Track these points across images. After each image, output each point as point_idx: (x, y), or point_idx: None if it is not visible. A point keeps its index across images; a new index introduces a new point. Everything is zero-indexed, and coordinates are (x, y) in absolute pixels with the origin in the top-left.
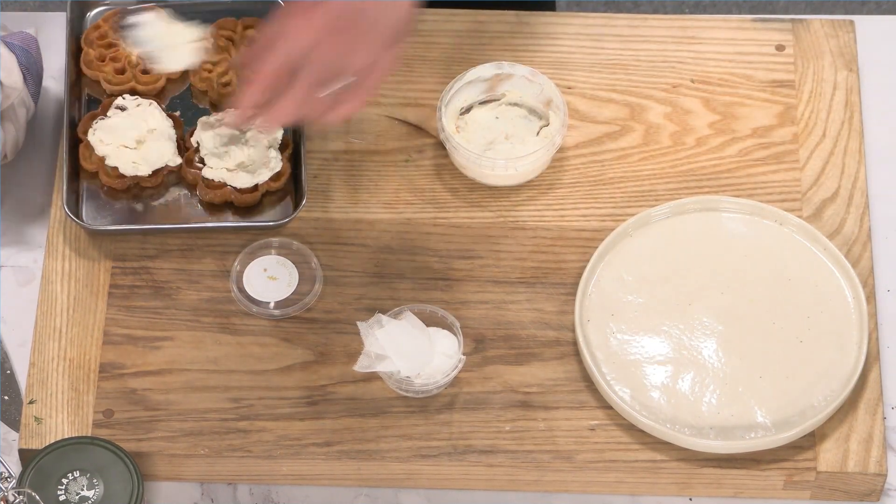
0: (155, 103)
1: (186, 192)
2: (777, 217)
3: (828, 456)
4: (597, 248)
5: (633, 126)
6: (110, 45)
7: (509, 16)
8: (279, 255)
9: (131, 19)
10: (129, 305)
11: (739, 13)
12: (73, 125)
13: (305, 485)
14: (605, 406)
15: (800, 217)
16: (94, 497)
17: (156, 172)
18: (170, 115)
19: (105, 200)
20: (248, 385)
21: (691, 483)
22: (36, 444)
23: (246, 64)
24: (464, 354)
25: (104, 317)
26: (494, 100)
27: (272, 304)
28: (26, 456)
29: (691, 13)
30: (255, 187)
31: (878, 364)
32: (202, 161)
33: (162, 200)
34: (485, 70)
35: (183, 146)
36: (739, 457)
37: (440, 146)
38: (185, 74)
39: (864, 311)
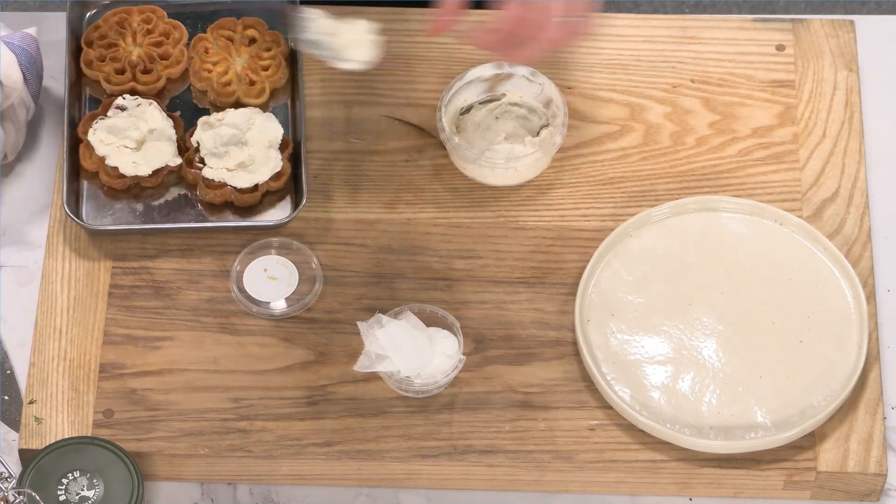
0: (155, 103)
1: (186, 192)
2: (777, 217)
3: (828, 456)
4: (597, 248)
5: (633, 126)
6: (110, 45)
7: None
8: (279, 255)
9: (301, 16)
10: (129, 305)
11: (739, 13)
12: (73, 125)
13: (305, 485)
14: (605, 406)
15: (800, 217)
16: (94, 497)
17: (156, 172)
18: (170, 115)
19: (105, 200)
20: (248, 385)
21: (691, 483)
22: (36, 444)
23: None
24: (464, 354)
25: (104, 317)
26: (494, 100)
27: (272, 304)
28: (26, 456)
29: (691, 13)
30: (255, 187)
31: (878, 364)
32: (202, 161)
33: (162, 200)
34: (485, 70)
35: (183, 146)
36: (739, 457)
37: (440, 146)
38: (185, 74)
39: (864, 311)
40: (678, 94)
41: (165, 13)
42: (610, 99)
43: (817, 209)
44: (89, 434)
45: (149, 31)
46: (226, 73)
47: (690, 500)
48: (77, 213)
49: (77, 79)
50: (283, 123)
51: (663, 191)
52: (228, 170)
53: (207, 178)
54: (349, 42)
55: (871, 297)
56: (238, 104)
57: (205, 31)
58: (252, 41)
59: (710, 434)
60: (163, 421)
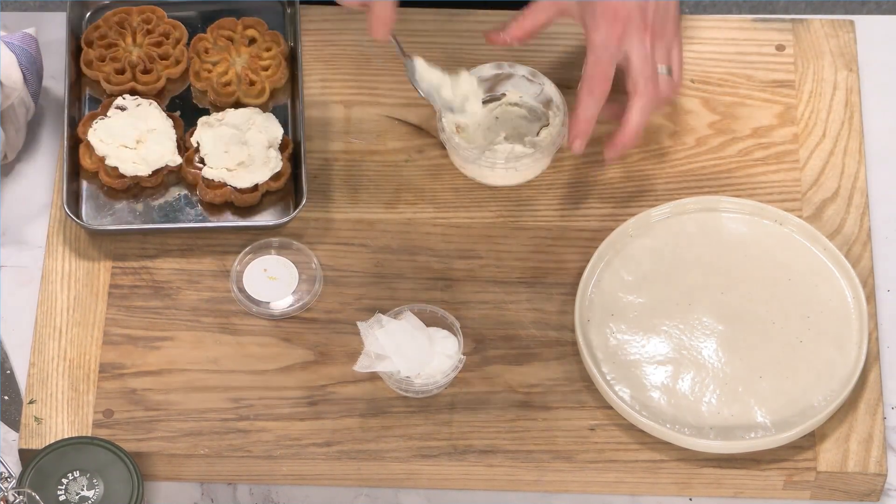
0: (155, 103)
1: (186, 192)
2: (777, 217)
3: (828, 456)
4: (597, 248)
5: None
6: (110, 45)
7: (509, 16)
8: (279, 255)
9: (409, 62)
10: (129, 305)
11: (739, 13)
12: (73, 125)
13: (305, 485)
14: (605, 406)
15: (800, 217)
16: (94, 497)
17: (156, 172)
18: (170, 115)
19: (105, 200)
20: (248, 385)
21: (691, 483)
22: (36, 444)
23: (591, 75)
24: (464, 354)
25: (104, 317)
26: (495, 100)
27: (272, 304)
28: (26, 456)
29: (691, 13)
30: (255, 187)
31: (878, 364)
32: (202, 161)
33: (162, 200)
34: (485, 70)
35: (183, 146)
36: (739, 457)
37: (440, 146)
38: (185, 74)
39: (864, 311)
40: (678, 94)
41: (165, 13)
42: (610, 99)
43: (817, 209)
44: (89, 434)
45: (149, 31)
46: (226, 73)
47: (690, 500)
48: (77, 213)
49: (77, 79)
50: (283, 123)
51: (663, 191)
52: (228, 170)
53: (207, 178)
54: (456, 94)
55: (871, 297)
56: (238, 104)
57: (205, 31)
58: (252, 41)
59: (710, 434)
60: (163, 421)
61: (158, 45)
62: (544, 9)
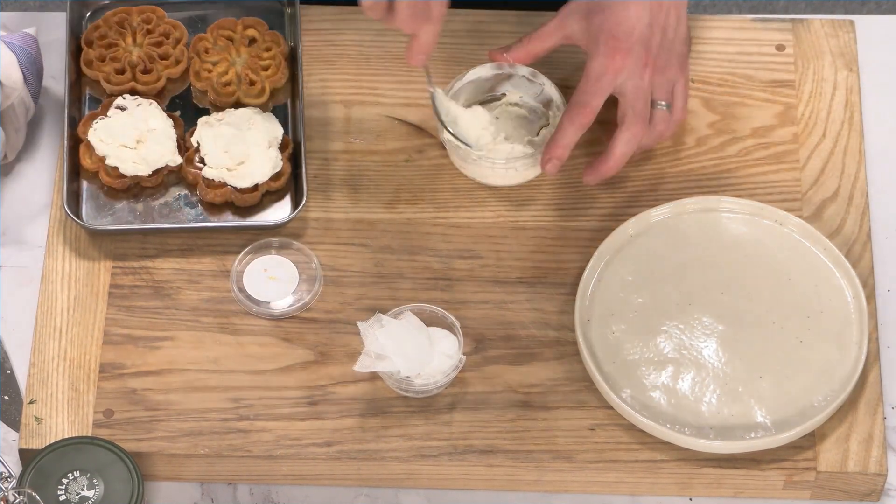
0: (155, 103)
1: (186, 192)
2: (777, 217)
3: (828, 456)
4: (597, 248)
5: None
6: (110, 45)
7: (509, 16)
8: (279, 255)
9: (432, 92)
10: (129, 305)
11: (739, 13)
12: (73, 125)
13: (305, 485)
14: (605, 406)
15: (800, 217)
16: (94, 497)
17: (156, 172)
18: (170, 115)
19: (105, 200)
20: (248, 385)
21: (691, 483)
22: (36, 444)
23: (577, 103)
24: (464, 354)
25: (104, 317)
26: (495, 100)
27: (272, 304)
28: (26, 456)
29: (691, 13)
30: (255, 187)
31: (878, 364)
32: (202, 161)
33: (162, 200)
34: (485, 70)
35: (183, 146)
36: (739, 457)
37: (440, 146)
38: (185, 74)
39: (864, 311)
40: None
41: (165, 13)
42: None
43: (817, 209)
44: (89, 434)
45: (149, 31)
46: (226, 73)
47: (690, 500)
48: (77, 213)
49: (77, 79)
50: (283, 123)
51: (663, 191)
52: (228, 170)
53: (207, 178)
54: (469, 127)
55: (871, 297)
56: (238, 104)
57: (205, 31)
58: (252, 41)
59: (710, 434)
60: (163, 421)
61: (158, 45)
62: (550, 34)
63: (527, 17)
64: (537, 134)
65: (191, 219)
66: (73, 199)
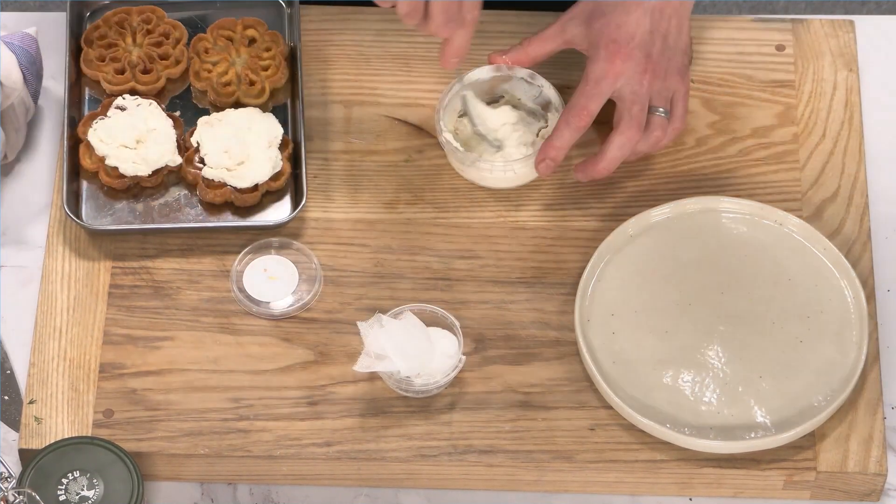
0: (155, 103)
1: (186, 192)
2: (777, 217)
3: (828, 456)
4: (597, 248)
5: None
6: (110, 45)
7: (509, 16)
8: (279, 255)
9: (464, 96)
10: (129, 305)
11: (739, 13)
12: (73, 125)
13: (305, 485)
14: (606, 406)
15: (800, 217)
16: (94, 497)
17: (156, 172)
18: (170, 115)
19: (105, 200)
20: (248, 385)
21: (691, 483)
22: (36, 444)
23: (574, 105)
24: (464, 354)
25: (104, 317)
26: (493, 101)
27: (272, 304)
28: (26, 456)
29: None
30: (255, 187)
31: (878, 364)
32: (202, 161)
33: (162, 200)
34: (483, 72)
35: (183, 146)
36: (739, 457)
37: (440, 146)
38: (185, 74)
39: (864, 311)
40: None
41: (165, 13)
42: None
43: (817, 209)
44: (89, 434)
45: (149, 31)
46: (226, 73)
47: (690, 500)
48: (77, 213)
49: (77, 79)
50: (283, 123)
51: (663, 191)
52: (228, 170)
53: (207, 178)
54: (497, 128)
55: (871, 297)
56: (238, 104)
57: (205, 31)
58: (252, 41)
59: (710, 434)
60: (163, 421)
61: (158, 45)
62: (551, 38)
63: (527, 17)
64: (536, 135)
65: (191, 219)
66: (73, 199)
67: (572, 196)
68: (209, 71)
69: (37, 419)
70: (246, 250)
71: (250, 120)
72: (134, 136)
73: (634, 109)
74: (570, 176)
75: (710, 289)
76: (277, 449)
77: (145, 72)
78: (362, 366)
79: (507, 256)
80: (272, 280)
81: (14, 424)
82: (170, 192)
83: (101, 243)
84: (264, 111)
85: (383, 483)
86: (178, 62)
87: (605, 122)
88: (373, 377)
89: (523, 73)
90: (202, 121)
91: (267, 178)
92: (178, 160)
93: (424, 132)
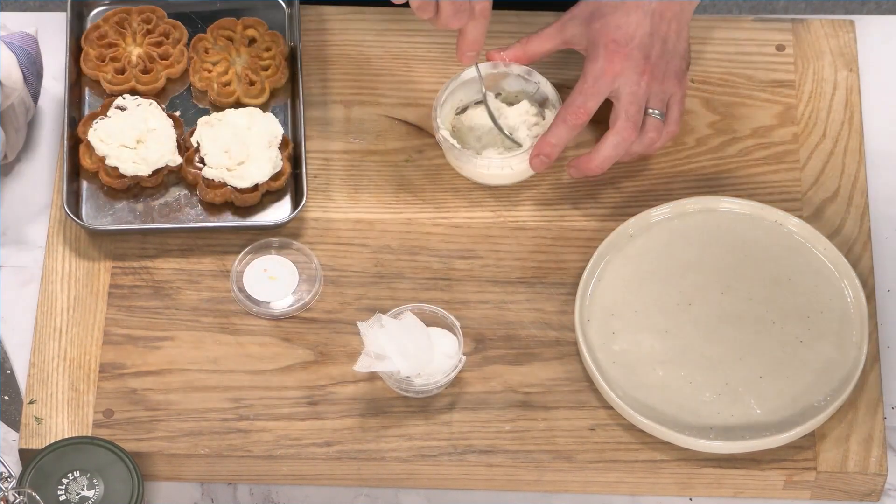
0: (155, 103)
1: (186, 192)
2: (777, 217)
3: (828, 456)
4: (597, 248)
5: None
6: (110, 45)
7: (509, 16)
8: (279, 255)
9: (483, 92)
10: (129, 305)
11: (739, 13)
12: (73, 125)
13: (305, 485)
14: (606, 406)
15: (800, 217)
16: (94, 497)
17: (156, 172)
18: (170, 115)
19: (105, 200)
20: (248, 385)
21: (691, 483)
22: (36, 444)
23: (572, 103)
24: (464, 354)
25: (104, 317)
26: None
27: (272, 304)
28: (26, 456)
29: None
30: (255, 187)
31: (878, 364)
32: (202, 161)
33: (162, 200)
34: (481, 69)
35: (183, 146)
36: (739, 457)
37: (439, 146)
38: (185, 74)
39: (864, 311)
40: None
41: (165, 13)
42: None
43: (817, 209)
44: (89, 434)
45: (149, 31)
46: (226, 73)
47: (690, 500)
48: (77, 213)
49: (77, 79)
50: (283, 123)
51: (663, 191)
52: (228, 170)
53: (207, 178)
54: (521, 123)
55: (871, 297)
56: (238, 104)
57: (205, 31)
58: (252, 41)
59: (710, 434)
60: (163, 421)
61: (158, 45)
62: (550, 37)
63: (527, 17)
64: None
65: (191, 219)
66: (73, 199)
67: (572, 196)
68: (209, 71)
69: (37, 419)
70: (246, 250)
71: (250, 120)
72: (134, 136)
73: (631, 110)
74: (571, 176)
75: (710, 289)
76: (277, 449)
77: (145, 72)
78: (362, 366)
79: (507, 256)
80: (272, 280)
81: (14, 424)
82: (170, 192)
83: (101, 243)
84: (264, 111)
85: (383, 483)
86: (178, 62)
87: (601, 120)
88: (373, 377)
89: (520, 69)
90: (202, 121)
91: (267, 178)
92: (178, 160)
93: (424, 132)
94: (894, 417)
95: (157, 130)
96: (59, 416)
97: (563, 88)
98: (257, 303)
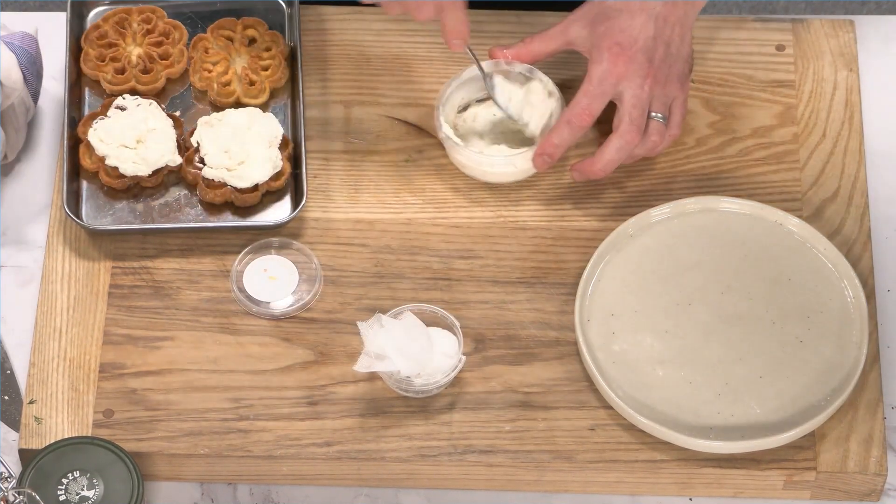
0: (155, 103)
1: (186, 192)
2: (777, 217)
3: (828, 456)
4: (597, 248)
5: None
6: (110, 45)
7: (509, 16)
8: (279, 255)
9: (490, 82)
10: (129, 305)
11: (739, 13)
12: (73, 125)
13: (305, 485)
14: (606, 406)
15: (800, 217)
16: (94, 497)
17: (156, 172)
18: (170, 115)
19: (105, 200)
20: (248, 385)
21: (691, 483)
22: (36, 444)
23: (577, 105)
24: (464, 354)
25: (104, 317)
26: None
27: (272, 304)
28: (26, 456)
29: None
30: (255, 187)
31: (878, 364)
32: (202, 161)
33: (162, 200)
34: (483, 66)
35: (183, 146)
36: (739, 457)
37: (440, 146)
38: (185, 74)
39: (864, 311)
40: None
41: (165, 13)
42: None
43: (817, 209)
44: (89, 434)
45: (149, 31)
46: (226, 73)
47: (690, 500)
48: (77, 213)
49: (77, 79)
50: (283, 123)
51: (663, 191)
52: (228, 170)
53: (207, 178)
54: (525, 104)
55: (871, 297)
56: (238, 104)
57: (205, 31)
58: (252, 41)
59: (710, 434)
60: (163, 421)
61: (158, 45)
62: (553, 38)
63: (527, 17)
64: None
65: (191, 219)
66: (73, 199)
67: (572, 196)
68: (209, 71)
69: (37, 419)
70: (246, 250)
71: (250, 120)
72: (134, 136)
73: (635, 113)
74: (571, 176)
75: (710, 289)
76: (277, 449)
77: (145, 72)
78: (362, 366)
79: (507, 256)
80: (272, 280)
81: (14, 424)
82: (170, 192)
83: (101, 243)
84: (264, 111)
85: (383, 483)
86: (178, 62)
87: (604, 121)
88: (373, 377)
89: (522, 67)
90: (202, 121)
91: (267, 178)
92: (178, 160)
93: (424, 132)
94: (894, 417)
95: (157, 130)
96: (58, 416)
97: (564, 88)
98: (257, 303)
